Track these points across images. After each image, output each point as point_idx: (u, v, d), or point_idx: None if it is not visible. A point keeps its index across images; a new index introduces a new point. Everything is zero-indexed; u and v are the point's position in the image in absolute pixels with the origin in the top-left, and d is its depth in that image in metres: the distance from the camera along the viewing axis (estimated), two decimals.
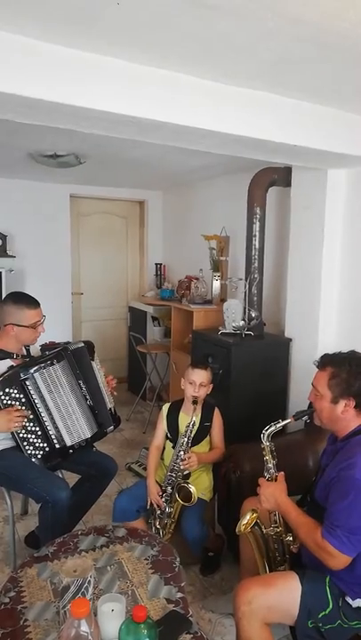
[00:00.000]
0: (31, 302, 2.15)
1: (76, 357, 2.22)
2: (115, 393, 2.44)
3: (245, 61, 1.65)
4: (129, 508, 2.16)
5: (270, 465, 1.72)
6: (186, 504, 2.07)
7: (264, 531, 1.72)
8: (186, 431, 2.14)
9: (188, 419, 2.20)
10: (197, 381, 2.22)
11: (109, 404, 2.37)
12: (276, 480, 1.70)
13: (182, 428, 2.25)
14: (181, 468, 2.13)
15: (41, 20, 1.37)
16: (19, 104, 1.58)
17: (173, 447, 2.25)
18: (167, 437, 2.32)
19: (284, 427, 1.81)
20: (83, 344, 2.29)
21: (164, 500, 2.16)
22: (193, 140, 2.06)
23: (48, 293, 3.12)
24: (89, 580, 1.32)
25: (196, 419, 2.19)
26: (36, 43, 1.49)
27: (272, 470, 1.72)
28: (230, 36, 1.46)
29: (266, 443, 1.73)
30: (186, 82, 1.78)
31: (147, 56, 1.63)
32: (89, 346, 2.32)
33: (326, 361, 1.63)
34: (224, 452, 2.31)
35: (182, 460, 2.13)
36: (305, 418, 1.73)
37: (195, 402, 2.17)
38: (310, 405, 1.69)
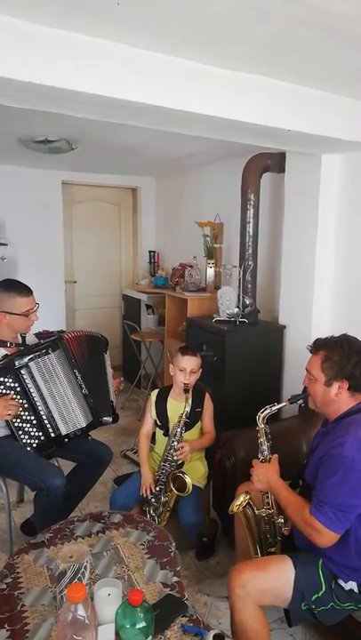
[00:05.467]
0: (23, 290, 2.13)
1: (91, 343, 2.30)
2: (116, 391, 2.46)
3: (240, 44, 1.62)
4: (126, 506, 2.16)
5: (264, 447, 1.74)
6: (181, 494, 2.08)
7: (256, 512, 1.74)
8: (179, 421, 2.14)
9: (178, 405, 2.20)
10: (188, 368, 2.19)
11: (112, 397, 2.38)
12: (269, 462, 1.72)
13: (171, 414, 2.25)
14: (175, 458, 2.14)
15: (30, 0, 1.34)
16: (7, 87, 1.55)
17: (164, 434, 2.26)
18: (156, 425, 2.32)
19: (278, 412, 1.82)
20: (100, 335, 2.42)
21: (158, 489, 2.17)
22: (186, 124, 2.03)
23: (41, 281, 3.10)
24: (85, 566, 1.33)
25: (188, 406, 2.19)
26: (25, 24, 1.45)
27: (266, 452, 1.74)
28: (224, 17, 1.43)
29: (261, 425, 1.75)
30: (178, 64, 1.75)
31: (138, 38, 1.59)
32: (104, 340, 2.42)
33: (319, 345, 1.64)
34: (214, 436, 2.32)
35: (176, 451, 2.13)
36: (300, 402, 1.74)
37: (186, 390, 2.15)
38: (305, 390, 1.70)
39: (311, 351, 1.67)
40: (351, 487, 1.42)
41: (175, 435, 2.14)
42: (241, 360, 2.87)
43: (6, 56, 1.44)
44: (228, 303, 3.00)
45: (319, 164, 2.65)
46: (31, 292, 2.15)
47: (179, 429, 2.14)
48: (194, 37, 1.58)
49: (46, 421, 2.12)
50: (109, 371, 2.40)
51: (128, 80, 1.66)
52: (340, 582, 1.53)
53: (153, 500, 2.19)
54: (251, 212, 2.99)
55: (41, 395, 2.10)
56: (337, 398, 1.59)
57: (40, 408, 2.11)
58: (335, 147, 2.45)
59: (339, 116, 2.20)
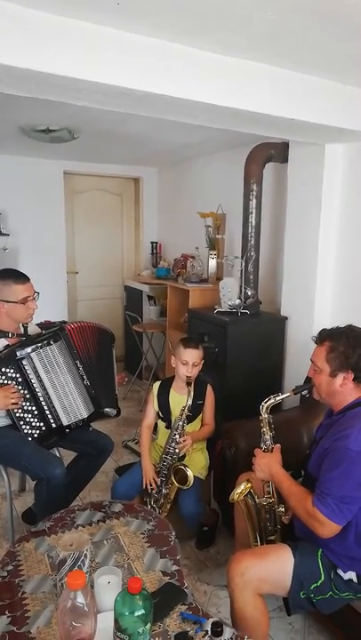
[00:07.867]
0: (19, 277, 2.11)
1: (96, 335, 2.32)
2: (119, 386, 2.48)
3: (242, 31, 1.60)
4: (128, 496, 2.17)
5: (267, 437, 1.75)
6: (182, 487, 2.07)
7: (257, 500, 1.75)
8: (181, 414, 2.13)
9: (180, 397, 2.19)
10: (190, 361, 2.18)
11: (116, 390, 2.38)
12: (271, 451, 1.72)
13: (173, 405, 2.25)
14: (177, 450, 2.14)
15: None
16: (6, 74, 1.53)
17: (166, 427, 2.26)
18: (159, 416, 2.33)
19: (280, 403, 1.82)
20: (107, 329, 2.46)
21: (159, 481, 2.17)
22: (188, 113, 2.01)
23: (43, 272, 3.10)
24: (85, 554, 1.34)
25: (190, 399, 2.18)
26: (23, 10, 1.43)
27: (268, 442, 1.75)
28: (227, 4, 1.40)
29: (264, 415, 1.75)
30: (181, 52, 1.72)
31: (140, 26, 1.57)
32: (110, 333, 2.45)
33: (324, 336, 1.63)
34: (214, 428, 2.32)
35: (177, 444, 2.13)
36: (304, 393, 1.74)
37: (189, 383, 2.14)
38: (309, 380, 1.70)
39: (316, 342, 1.66)
40: (355, 479, 1.43)
41: (177, 427, 2.14)
42: (242, 351, 2.87)
43: (5, 43, 1.42)
44: (229, 294, 2.99)
45: (323, 154, 2.62)
46: (28, 279, 2.13)
47: (181, 422, 2.13)
48: (196, 25, 1.55)
49: (47, 412, 2.13)
50: (114, 363, 2.40)
51: (129, 68, 1.64)
52: (340, 572, 1.54)
53: (154, 491, 2.19)
54: (253, 203, 2.97)
55: (42, 385, 2.11)
56: (342, 389, 1.59)
57: (41, 399, 2.11)
58: (339, 136, 2.43)
59: (342, 106, 2.17)
